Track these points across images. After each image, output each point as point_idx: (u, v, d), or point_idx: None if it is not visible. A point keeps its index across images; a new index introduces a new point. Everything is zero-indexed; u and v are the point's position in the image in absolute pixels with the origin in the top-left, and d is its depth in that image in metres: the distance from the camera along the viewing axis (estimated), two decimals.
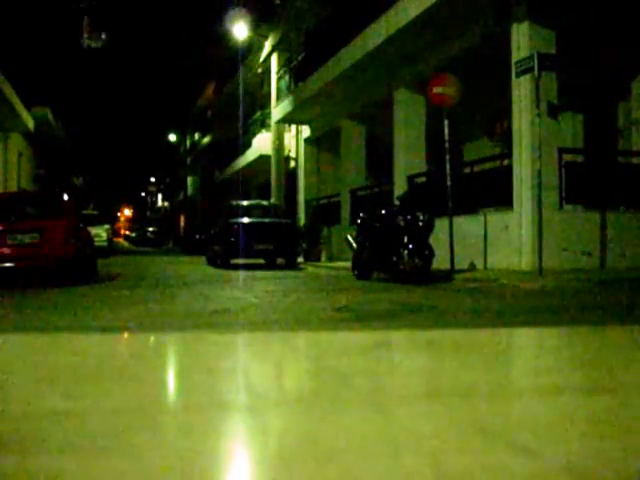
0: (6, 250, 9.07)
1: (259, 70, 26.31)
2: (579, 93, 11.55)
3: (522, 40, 9.65)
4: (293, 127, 21.81)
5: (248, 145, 26.15)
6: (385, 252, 9.41)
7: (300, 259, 16.42)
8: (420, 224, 9.03)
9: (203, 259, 17.74)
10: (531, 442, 1.51)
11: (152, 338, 4.03)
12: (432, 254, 8.92)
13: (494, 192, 10.68)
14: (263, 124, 24.54)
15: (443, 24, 10.93)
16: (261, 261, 15.64)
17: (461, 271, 9.92)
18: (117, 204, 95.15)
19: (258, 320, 5.12)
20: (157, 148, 60.74)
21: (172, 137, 52.76)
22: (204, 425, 1.68)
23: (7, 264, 9.10)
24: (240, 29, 23.47)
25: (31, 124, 20.07)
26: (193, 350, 3.33)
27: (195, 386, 2.28)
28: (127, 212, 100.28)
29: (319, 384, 2.33)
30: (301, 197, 20.92)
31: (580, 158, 10.44)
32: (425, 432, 1.62)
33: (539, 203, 8.80)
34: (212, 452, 1.47)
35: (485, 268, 10.34)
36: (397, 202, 9.93)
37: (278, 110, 20.37)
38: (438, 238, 9.74)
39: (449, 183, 10.28)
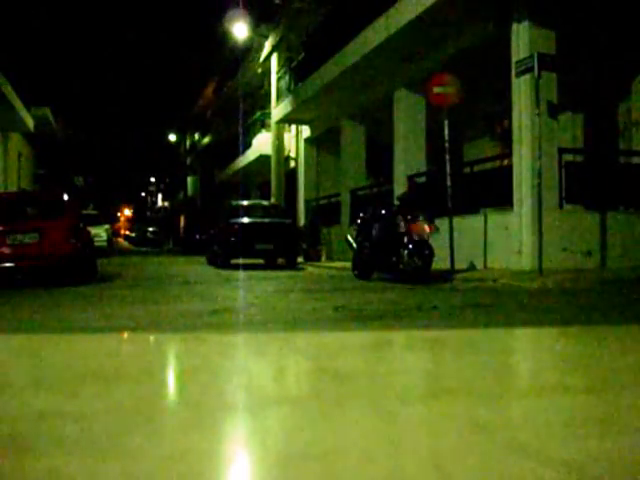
0: (6, 250, 9.07)
1: (259, 70, 26.30)
2: (579, 93, 11.54)
3: (522, 40, 9.65)
4: (293, 127, 21.81)
5: (248, 145, 26.15)
6: (385, 252, 9.41)
7: (300, 259, 16.41)
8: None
9: (203, 259, 17.73)
10: (531, 442, 1.51)
11: (152, 338, 4.03)
12: (432, 254, 8.92)
13: (494, 192, 10.68)
14: (263, 124, 24.53)
15: (443, 24, 10.92)
16: (261, 261, 15.64)
17: (461, 271, 9.92)
18: (117, 204, 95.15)
19: (258, 320, 5.12)
20: (157, 148, 60.77)
21: (172, 137, 52.76)
22: (204, 425, 1.68)
23: (7, 264, 9.10)
24: (240, 29, 23.46)
25: (31, 124, 20.05)
26: (193, 350, 3.33)
27: (195, 386, 2.28)
28: (127, 212, 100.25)
29: (318, 384, 2.33)
30: (301, 197, 20.92)
31: (580, 158, 10.43)
32: (425, 432, 1.62)
33: (539, 203, 8.80)
34: (212, 452, 1.47)
35: (485, 268, 10.34)
36: (397, 202, 9.93)
37: (278, 110, 20.37)
38: (438, 238, 9.74)
39: (449, 183, 10.28)
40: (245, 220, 14.58)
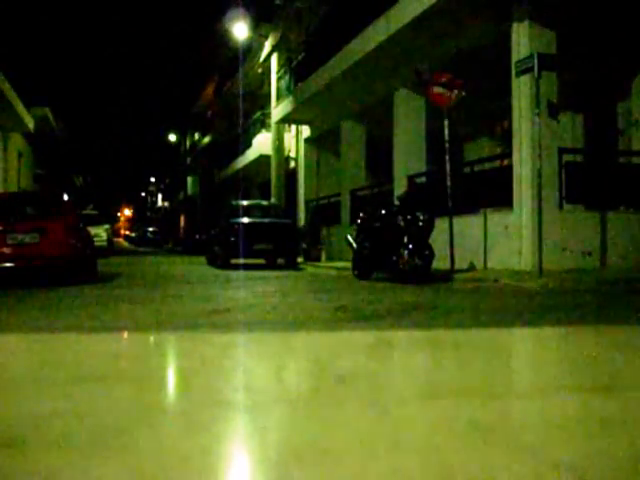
0: (6, 250, 9.06)
1: (259, 70, 26.30)
2: (579, 93, 11.54)
3: (522, 40, 9.65)
4: (293, 127, 21.81)
5: (248, 145, 26.15)
6: (385, 252, 9.41)
7: (300, 259, 16.41)
8: (420, 224, 9.03)
9: (203, 259, 17.73)
10: (531, 442, 1.51)
11: (152, 338, 4.03)
12: (432, 254, 8.92)
13: (494, 192, 10.67)
14: (263, 124, 24.54)
15: (443, 24, 10.92)
16: (261, 261, 15.64)
17: (461, 271, 9.92)
18: (117, 204, 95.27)
19: (258, 320, 5.12)
20: (157, 148, 60.84)
21: (172, 137, 52.80)
22: (204, 425, 1.68)
23: (7, 264, 9.10)
24: (240, 29, 23.48)
25: (31, 124, 20.06)
26: (193, 350, 3.33)
27: (195, 386, 2.28)
28: (127, 212, 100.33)
29: (319, 384, 2.33)
30: (301, 197, 20.92)
31: (580, 158, 10.43)
32: (425, 432, 1.62)
33: (539, 203, 8.79)
34: (212, 452, 1.47)
35: (485, 268, 10.34)
36: (397, 202, 9.93)
37: (278, 110, 20.37)
38: (438, 238, 9.73)
39: (449, 183, 10.27)
40: (245, 220, 14.58)
